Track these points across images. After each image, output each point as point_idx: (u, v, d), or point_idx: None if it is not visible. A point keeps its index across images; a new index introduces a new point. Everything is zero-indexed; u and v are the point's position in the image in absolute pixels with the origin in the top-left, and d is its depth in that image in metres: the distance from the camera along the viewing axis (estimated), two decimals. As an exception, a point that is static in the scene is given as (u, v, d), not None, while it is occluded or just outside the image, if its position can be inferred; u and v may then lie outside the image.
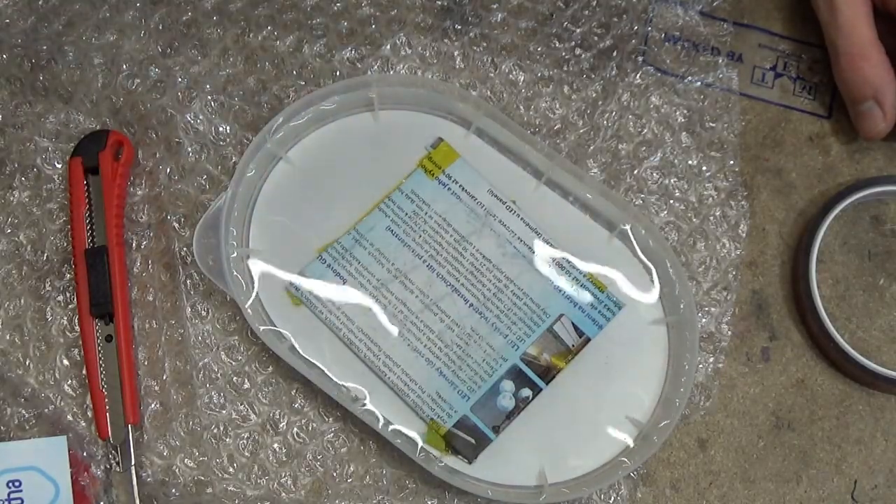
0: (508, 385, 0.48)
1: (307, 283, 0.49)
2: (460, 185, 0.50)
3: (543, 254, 0.50)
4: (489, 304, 0.49)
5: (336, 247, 0.50)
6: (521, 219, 0.50)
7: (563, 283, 0.50)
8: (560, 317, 0.49)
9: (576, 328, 0.49)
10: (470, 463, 0.48)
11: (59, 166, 0.53)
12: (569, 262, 0.50)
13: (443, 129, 0.52)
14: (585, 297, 0.50)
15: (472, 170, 0.50)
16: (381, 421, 0.50)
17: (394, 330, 0.49)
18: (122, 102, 0.54)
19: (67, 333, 0.52)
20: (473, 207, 0.50)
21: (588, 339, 0.49)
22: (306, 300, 0.49)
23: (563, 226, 0.52)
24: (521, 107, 0.55)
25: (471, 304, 0.49)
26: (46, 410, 0.51)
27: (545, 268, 0.50)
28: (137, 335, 0.52)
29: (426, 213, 0.50)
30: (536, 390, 0.49)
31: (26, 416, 0.50)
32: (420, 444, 0.49)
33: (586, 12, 0.55)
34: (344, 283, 0.49)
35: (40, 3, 0.55)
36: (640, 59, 0.55)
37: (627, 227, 0.51)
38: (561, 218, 0.52)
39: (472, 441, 0.48)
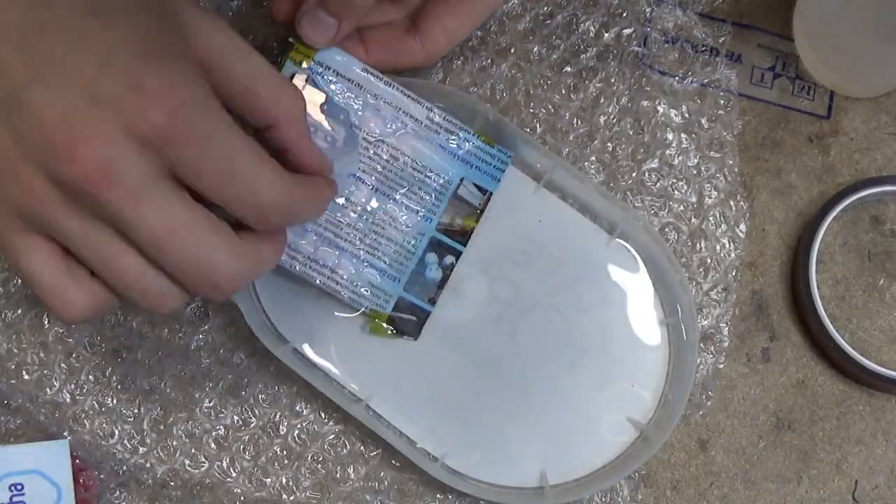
0: (432, 257, 0.49)
1: None
2: (333, 70, 0.48)
3: (429, 123, 0.49)
4: (393, 184, 0.49)
5: None
6: (401, 92, 0.49)
7: (454, 147, 0.49)
8: (461, 180, 0.50)
9: (478, 187, 0.50)
10: (415, 339, 0.49)
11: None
12: (455, 125, 0.49)
13: (442, 132, 0.52)
14: (479, 155, 0.50)
15: (339, 51, 0.48)
16: (382, 423, 0.50)
17: (308, 232, 0.48)
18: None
19: (66, 339, 0.52)
20: (351, 88, 0.48)
21: (490, 194, 0.50)
22: None
23: (563, 227, 0.52)
24: (520, 108, 0.55)
25: (375, 188, 0.49)
26: (44, 416, 0.51)
27: (434, 136, 0.49)
28: (138, 339, 0.52)
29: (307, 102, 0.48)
30: (457, 254, 0.50)
31: (24, 421, 0.50)
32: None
33: (585, 13, 0.55)
34: None
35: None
36: (639, 59, 0.55)
37: (627, 228, 0.51)
38: (560, 220, 0.52)
39: (414, 318, 0.49)
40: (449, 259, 0.50)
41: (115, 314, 0.52)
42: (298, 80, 0.47)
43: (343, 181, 0.48)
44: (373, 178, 0.48)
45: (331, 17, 0.46)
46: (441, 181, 0.49)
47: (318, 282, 0.48)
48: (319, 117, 0.47)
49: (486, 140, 0.50)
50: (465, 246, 0.50)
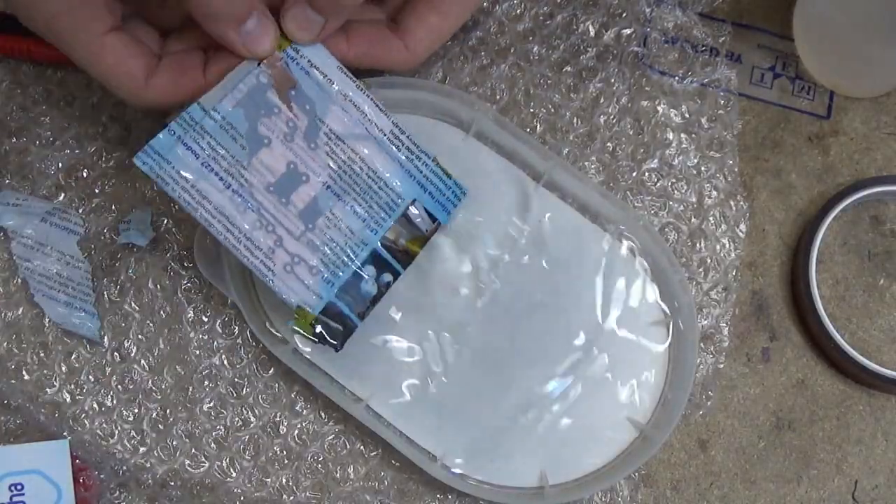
0: (370, 270, 0.48)
1: (157, 156, 0.44)
2: (308, 60, 0.47)
3: (391, 137, 0.48)
4: (345, 186, 0.47)
5: (185, 116, 0.45)
6: (372, 99, 0.47)
7: (412, 167, 0.48)
8: (413, 202, 0.48)
9: (428, 213, 0.49)
10: (337, 350, 0.47)
11: (52, 172, 0.53)
12: (417, 147, 0.48)
13: (441, 132, 0.52)
14: (435, 182, 0.49)
15: (319, 46, 0.47)
16: (382, 423, 0.50)
17: (249, 210, 0.46)
18: (123, 104, 0.54)
19: (66, 340, 0.52)
20: (322, 83, 0.47)
21: (439, 225, 0.49)
22: (156, 174, 0.44)
23: (562, 227, 0.52)
24: (521, 108, 0.55)
25: (326, 186, 0.47)
26: (44, 416, 0.51)
27: (395, 151, 0.48)
28: (138, 339, 0.52)
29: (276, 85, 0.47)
30: (396, 274, 0.48)
31: (24, 421, 0.50)
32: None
33: (585, 13, 0.55)
34: (197, 159, 0.45)
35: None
36: (639, 59, 0.55)
37: (627, 228, 0.51)
38: (560, 219, 0.52)
39: (340, 327, 0.47)
40: (386, 277, 0.48)
41: (114, 314, 0.52)
42: (272, 59, 0.46)
43: (295, 172, 0.46)
44: (325, 174, 0.47)
45: (317, 14, 0.46)
46: (393, 196, 0.48)
47: (248, 262, 0.46)
48: (285, 101, 0.46)
49: (445, 171, 0.49)
50: (404, 268, 0.48)
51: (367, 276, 0.47)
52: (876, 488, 0.52)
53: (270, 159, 0.46)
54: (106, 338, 0.52)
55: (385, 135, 0.48)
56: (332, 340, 0.47)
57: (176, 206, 0.53)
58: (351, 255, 0.47)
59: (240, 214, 0.45)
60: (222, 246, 0.46)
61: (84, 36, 0.44)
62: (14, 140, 0.53)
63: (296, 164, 0.46)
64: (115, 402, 0.51)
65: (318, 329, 0.47)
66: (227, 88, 0.45)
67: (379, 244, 0.48)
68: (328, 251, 0.47)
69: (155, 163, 0.44)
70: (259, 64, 0.46)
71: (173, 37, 0.47)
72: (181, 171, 0.44)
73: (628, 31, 0.55)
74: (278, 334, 0.50)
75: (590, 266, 0.51)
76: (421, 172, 0.48)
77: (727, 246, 0.54)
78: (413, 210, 0.48)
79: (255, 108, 0.45)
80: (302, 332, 0.47)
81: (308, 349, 0.50)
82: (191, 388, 0.52)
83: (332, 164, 0.47)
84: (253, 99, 0.45)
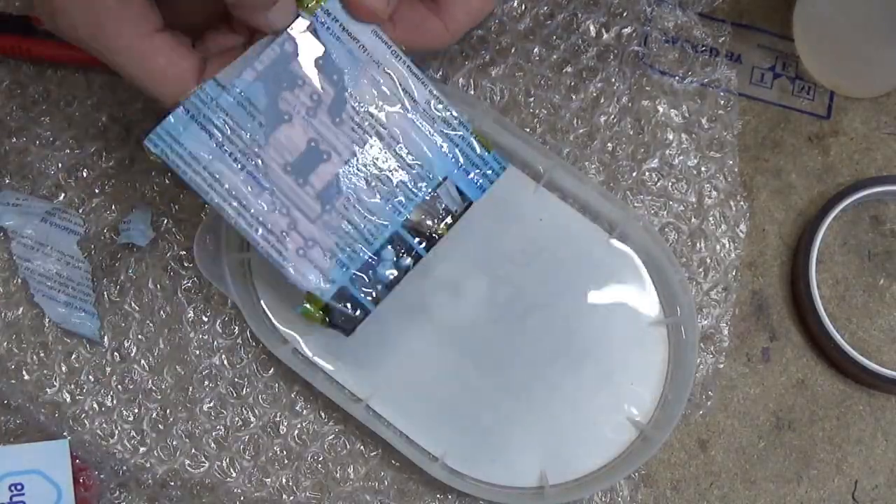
0: (389, 253, 0.45)
1: (169, 137, 0.42)
2: (340, 24, 0.43)
3: (427, 107, 0.44)
4: (369, 164, 0.44)
5: (200, 94, 0.42)
6: (409, 66, 0.44)
7: (449, 141, 0.45)
8: (444, 179, 0.45)
9: (459, 192, 0.45)
10: (347, 335, 0.45)
11: (52, 172, 0.53)
12: (455, 117, 0.45)
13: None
14: (471, 156, 0.45)
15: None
16: (382, 423, 0.50)
17: (265, 191, 0.43)
18: (123, 104, 0.54)
19: (66, 340, 0.52)
20: (354, 50, 0.43)
21: (470, 203, 0.45)
22: (168, 157, 0.42)
23: (562, 227, 0.52)
24: (521, 108, 0.55)
25: (348, 163, 0.44)
26: (44, 416, 0.51)
27: (429, 124, 0.44)
28: (138, 339, 0.52)
29: (302, 53, 0.43)
30: (416, 258, 0.45)
31: (24, 421, 0.50)
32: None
33: (585, 13, 0.55)
34: (211, 139, 0.42)
35: None
36: (639, 59, 0.55)
37: (627, 228, 0.51)
38: (560, 219, 0.52)
39: (351, 313, 0.44)
40: (406, 261, 0.45)
41: (114, 314, 0.52)
42: (300, 24, 0.43)
43: (316, 150, 0.43)
44: (349, 152, 0.44)
45: None
46: (422, 174, 0.45)
47: (260, 248, 0.43)
48: (311, 72, 0.43)
49: (484, 143, 0.45)
50: (426, 251, 0.45)
51: (385, 259, 0.45)
52: (876, 488, 0.52)
53: (290, 137, 0.43)
54: (106, 338, 0.52)
55: (419, 105, 0.44)
56: (342, 326, 0.45)
57: (176, 206, 0.53)
58: (370, 237, 0.44)
59: (254, 197, 0.43)
60: (231, 229, 0.44)
61: (131, 37, 0.42)
62: (14, 140, 0.53)
63: (317, 142, 0.43)
64: (115, 402, 0.51)
65: (327, 316, 0.45)
66: (248, 60, 0.43)
67: (401, 226, 0.45)
68: (345, 233, 0.44)
69: (166, 145, 0.42)
70: (284, 31, 0.43)
71: (209, 36, 0.45)
72: (194, 153, 0.42)
73: (628, 31, 0.55)
74: (278, 334, 0.50)
75: (590, 266, 0.51)
76: (457, 146, 0.45)
77: (727, 246, 0.54)
78: (443, 188, 0.45)
79: (276, 80, 0.43)
80: (311, 318, 0.44)
81: (308, 350, 0.50)
82: (191, 388, 0.52)
83: (357, 140, 0.44)
84: (275, 70, 0.42)
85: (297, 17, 0.42)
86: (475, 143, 0.45)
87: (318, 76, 0.43)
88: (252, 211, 0.43)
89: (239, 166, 0.43)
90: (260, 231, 0.43)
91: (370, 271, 0.44)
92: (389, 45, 0.44)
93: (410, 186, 0.45)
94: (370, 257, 0.44)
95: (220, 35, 0.45)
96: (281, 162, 0.43)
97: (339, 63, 0.43)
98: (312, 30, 0.43)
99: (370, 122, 0.44)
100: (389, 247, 0.45)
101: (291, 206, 0.43)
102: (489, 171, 0.45)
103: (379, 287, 0.45)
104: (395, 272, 0.45)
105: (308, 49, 0.43)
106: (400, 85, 0.44)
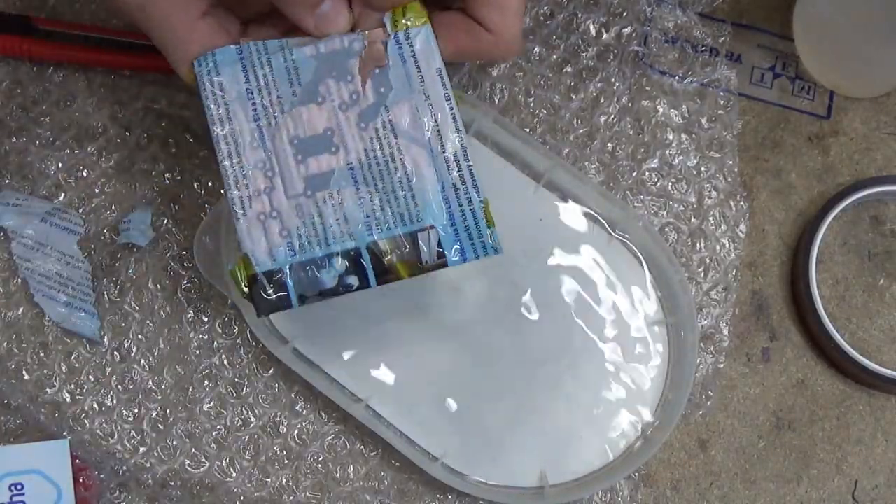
0: (340, 264, 0.43)
1: (213, 64, 0.44)
2: (413, 51, 0.44)
3: (450, 157, 0.43)
4: (369, 178, 0.43)
5: (259, 46, 0.44)
6: (453, 115, 0.44)
7: (456, 199, 0.43)
8: (430, 227, 0.43)
9: (439, 248, 0.43)
10: (258, 316, 0.44)
11: (52, 172, 0.53)
12: (473, 180, 0.44)
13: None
14: (469, 223, 0.44)
15: (432, 40, 0.44)
16: (382, 423, 0.50)
17: (259, 146, 0.43)
18: (123, 104, 0.54)
19: (66, 340, 0.52)
20: (412, 78, 0.44)
21: (444, 264, 0.43)
22: (202, 78, 0.43)
23: (563, 227, 0.52)
24: (521, 108, 0.55)
25: (351, 167, 0.43)
26: (44, 416, 0.51)
27: (444, 173, 0.43)
28: (138, 339, 0.52)
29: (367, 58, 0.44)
30: (363, 285, 0.43)
31: (24, 421, 0.50)
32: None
33: (585, 12, 0.55)
34: (247, 83, 0.43)
35: None
36: (639, 59, 0.55)
37: (627, 228, 0.51)
38: (560, 220, 0.52)
39: (273, 298, 0.43)
40: (352, 280, 0.43)
41: (114, 314, 0.52)
42: (378, 34, 0.44)
43: (328, 139, 0.43)
44: (356, 157, 0.43)
45: None
46: (413, 212, 0.43)
47: (230, 193, 0.43)
48: (363, 76, 0.44)
49: (490, 220, 0.44)
50: (378, 284, 0.43)
51: (332, 268, 0.43)
52: (876, 488, 0.52)
53: (313, 116, 0.44)
54: (106, 338, 0.52)
55: (446, 154, 0.44)
56: (258, 304, 0.43)
57: (176, 206, 0.53)
58: (331, 239, 0.43)
59: (251, 149, 0.43)
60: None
61: (177, 19, 0.43)
62: (14, 140, 0.53)
63: (333, 132, 0.44)
64: (115, 402, 0.51)
65: (250, 289, 0.43)
66: (315, 40, 0.44)
67: (366, 246, 0.43)
68: (311, 223, 0.43)
69: (208, 70, 0.43)
70: (361, 32, 0.44)
71: (254, 25, 0.46)
72: (225, 86, 0.43)
73: (628, 31, 0.55)
74: (278, 334, 0.50)
75: (590, 266, 0.51)
76: (461, 207, 0.44)
77: (727, 246, 0.54)
78: (424, 235, 0.44)
79: (329, 67, 0.44)
80: (236, 280, 0.43)
81: (308, 350, 0.50)
82: (191, 388, 0.52)
83: (370, 150, 0.44)
84: (332, 59, 0.44)
85: (382, 26, 0.44)
86: (481, 215, 0.44)
87: (368, 82, 0.44)
88: (242, 159, 0.43)
89: (254, 117, 0.43)
90: (238, 178, 0.43)
91: (312, 270, 0.43)
92: (446, 89, 0.44)
93: (394, 216, 0.44)
94: (320, 258, 0.43)
95: (263, 28, 0.45)
96: (292, 133, 0.43)
97: (392, 80, 0.44)
98: (385, 42, 0.44)
99: (390, 141, 0.44)
100: (342, 259, 0.43)
101: (277, 174, 0.43)
102: (480, 247, 0.44)
103: (312, 289, 0.43)
104: (335, 285, 0.43)
105: (372, 56, 0.44)
106: (437, 127, 0.44)
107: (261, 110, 0.43)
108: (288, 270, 0.43)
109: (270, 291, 0.43)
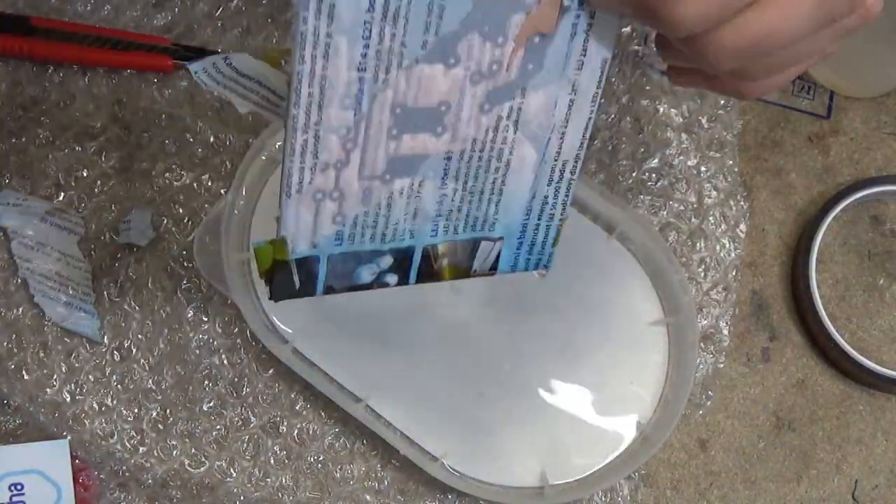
0: (387, 261, 0.38)
1: None
2: (587, 27, 0.34)
3: (559, 168, 0.37)
4: (462, 170, 0.36)
5: None
6: (590, 117, 0.36)
7: (540, 212, 0.38)
8: (498, 240, 0.39)
9: (497, 259, 0.39)
10: (272, 299, 0.37)
11: (52, 172, 0.53)
12: (566, 194, 0.38)
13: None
14: (537, 239, 0.39)
15: (618, 25, 0.35)
16: (382, 423, 0.50)
17: (346, 115, 0.34)
18: (123, 104, 0.54)
19: (66, 340, 0.52)
20: (568, 60, 0.35)
21: (494, 273, 0.40)
22: None
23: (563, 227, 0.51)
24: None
25: (448, 154, 0.36)
26: (44, 416, 0.51)
27: (543, 182, 0.38)
28: (138, 339, 0.52)
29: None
30: (403, 282, 0.38)
31: (24, 421, 0.50)
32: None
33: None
34: (370, 12, 0.32)
35: None
36: (639, 59, 0.55)
37: (627, 228, 0.51)
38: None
39: (297, 284, 0.37)
40: (391, 278, 0.38)
41: (114, 314, 0.52)
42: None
43: (437, 117, 0.35)
44: (459, 147, 0.36)
45: None
46: (488, 218, 0.38)
47: (288, 159, 0.34)
48: (518, 39, 0.33)
49: (556, 237, 0.40)
50: (416, 282, 0.39)
51: (376, 264, 0.38)
52: (876, 488, 0.52)
53: (434, 81, 0.34)
54: (106, 338, 0.52)
55: (556, 160, 0.37)
56: (276, 290, 0.37)
57: (176, 205, 0.53)
58: (389, 237, 0.37)
59: (340, 106, 0.33)
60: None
61: None
62: (14, 140, 0.53)
63: (448, 109, 0.34)
64: (115, 402, 0.51)
65: (272, 271, 0.37)
66: None
67: (422, 247, 0.38)
68: (374, 214, 0.36)
69: None
70: None
71: None
72: (338, 8, 0.31)
73: (628, 31, 0.55)
74: (278, 334, 0.50)
75: (590, 266, 0.51)
76: (538, 219, 0.39)
77: (727, 246, 0.54)
78: (488, 245, 0.39)
79: (484, 16, 0.33)
80: (259, 258, 0.36)
81: (308, 350, 0.50)
82: (191, 388, 0.52)
83: (479, 141, 0.36)
84: (492, 8, 0.33)
85: None
86: (554, 233, 0.39)
87: (520, 51, 0.34)
88: (322, 117, 0.33)
89: (360, 65, 0.33)
90: (308, 143, 0.34)
91: (352, 263, 0.37)
92: (599, 88, 0.36)
93: (467, 219, 0.38)
94: (368, 252, 0.37)
95: None
96: (398, 99, 0.34)
97: (548, 57, 0.35)
98: (565, 6, 0.34)
99: (508, 136, 0.36)
100: (390, 256, 0.38)
101: (359, 147, 0.34)
102: (535, 262, 0.40)
103: (344, 282, 0.38)
104: (371, 281, 0.38)
105: (542, 18, 0.34)
106: (564, 129, 0.37)
107: (372, 57, 0.32)
108: (324, 260, 0.37)
109: (296, 279, 0.37)
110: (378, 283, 0.38)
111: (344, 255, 0.37)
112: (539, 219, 0.39)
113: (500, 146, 0.36)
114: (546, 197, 0.38)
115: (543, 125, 0.36)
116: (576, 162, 0.38)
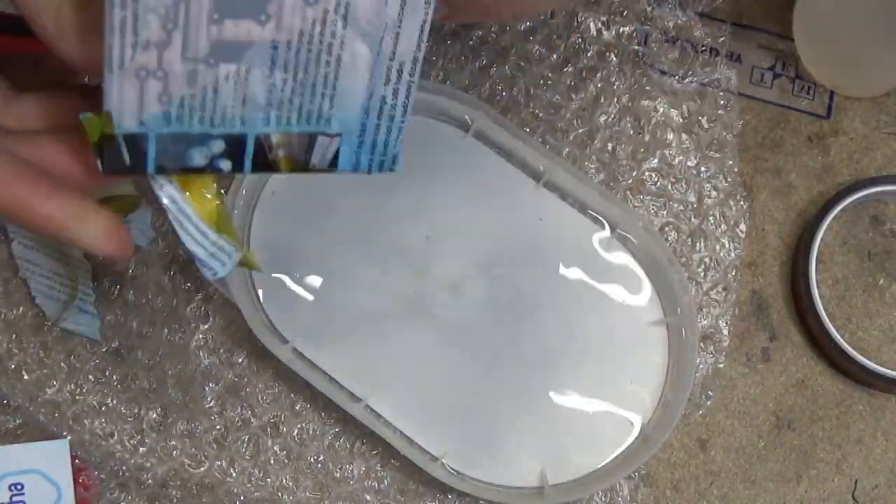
0: (219, 146, 0.37)
1: None
2: None
3: (395, 69, 0.37)
4: (291, 61, 0.36)
5: None
6: (424, 20, 0.36)
7: (377, 109, 0.38)
8: (335, 135, 0.38)
9: (336, 156, 0.39)
10: (102, 172, 0.37)
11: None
12: (406, 96, 0.38)
13: (441, 132, 0.52)
14: (379, 136, 0.39)
15: None
16: (382, 423, 0.50)
17: None
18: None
19: (66, 339, 0.52)
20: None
21: (334, 169, 0.39)
22: None
23: (562, 227, 0.52)
24: (521, 108, 0.55)
25: (275, 43, 0.35)
26: (44, 416, 0.51)
27: (380, 81, 0.37)
28: (138, 339, 0.52)
29: None
30: (236, 170, 0.38)
31: (24, 421, 0.50)
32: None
33: (585, 12, 0.55)
34: None
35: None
36: (640, 59, 0.55)
37: (627, 228, 0.51)
38: (560, 220, 0.52)
39: (126, 162, 0.36)
40: (225, 164, 0.37)
41: (114, 314, 0.52)
42: None
43: (262, 5, 0.34)
44: (286, 36, 0.35)
45: None
46: (324, 112, 0.37)
47: (107, 40, 0.34)
48: None
49: (399, 136, 0.39)
50: (255, 171, 0.38)
51: (209, 147, 0.37)
52: (876, 488, 0.52)
53: None
54: (106, 338, 0.52)
55: (392, 59, 0.37)
56: (106, 164, 0.36)
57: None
58: (217, 121, 0.36)
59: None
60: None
61: None
62: (14, 140, 0.53)
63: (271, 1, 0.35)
64: (115, 402, 0.51)
65: (101, 146, 0.36)
66: None
67: (254, 136, 0.37)
68: (200, 97, 0.36)
69: None
70: None
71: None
72: None
73: (628, 31, 0.55)
74: (278, 334, 0.50)
75: (590, 266, 0.51)
76: (378, 120, 0.38)
77: (727, 246, 0.54)
78: (324, 141, 0.38)
79: None
80: (87, 129, 0.36)
81: (308, 350, 0.50)
82: (190, 388, 0.52)
83: (306, 33, 0.35)
84: None
85: None
86: (396, 134, 0.39)
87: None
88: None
89: None
90: (125, 21, 0.34)
91: (183, 145, 0.37)
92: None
93: (300, 112, 0.37)
94: (197, 135, 0.37)
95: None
96: None
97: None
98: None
99: (336, 30, 0.36)
100: (221, 141, 0.37)
101: (180, 28, 0.34)
102: (378, 163, 0.39)
103: (175, 164, 0.37)
104: (204, 165, 0.37)
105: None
106: (398, 28, 0.36)
107: None
108: (153, 139, 0.36)
109: (126, 154, 0.36)
110: (211, 167, 0.37)
111: (174, 135, 0.36)
112: (379, 119, 0.38)
113: (329, 40, 0.36)
114: (384, 97, 0.38)
115: (374, 23, 0.36)
116: (413, 63, 0.37)
